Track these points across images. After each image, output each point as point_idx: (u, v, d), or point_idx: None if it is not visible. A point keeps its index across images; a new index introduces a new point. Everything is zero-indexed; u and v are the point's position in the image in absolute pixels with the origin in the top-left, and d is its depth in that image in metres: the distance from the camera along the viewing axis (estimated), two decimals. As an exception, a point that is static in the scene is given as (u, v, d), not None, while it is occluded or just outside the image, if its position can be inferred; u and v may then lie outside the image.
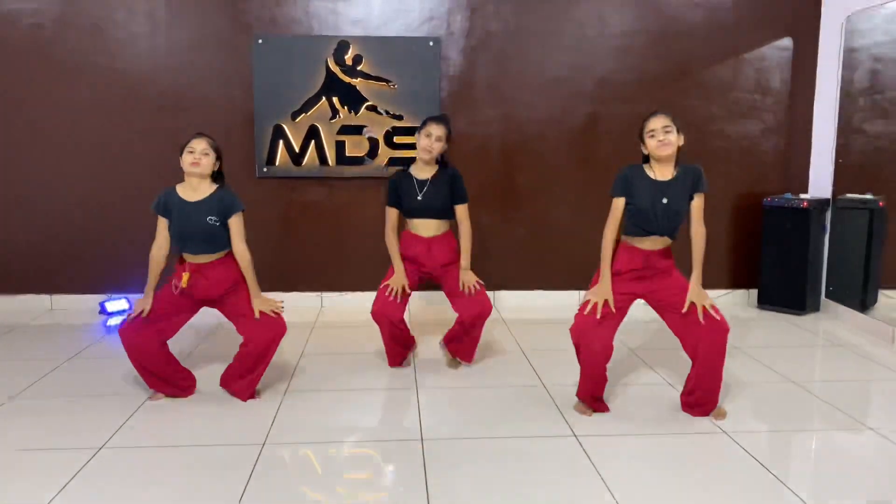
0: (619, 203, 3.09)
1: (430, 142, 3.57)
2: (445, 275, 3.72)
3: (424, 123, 3.61)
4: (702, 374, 3.04)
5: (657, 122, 3.02)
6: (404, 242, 3.75)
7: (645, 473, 2.61)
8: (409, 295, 3.71)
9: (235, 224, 3.20)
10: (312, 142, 4.99)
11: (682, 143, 3.06)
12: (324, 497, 2.45)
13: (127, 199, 5.00)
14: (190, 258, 3.20)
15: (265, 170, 5.03)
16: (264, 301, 3.25)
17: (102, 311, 4.95)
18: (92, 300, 5.06)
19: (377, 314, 3.60)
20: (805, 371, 3.86)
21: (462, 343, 3.76)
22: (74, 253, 5.07)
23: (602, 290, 3.06)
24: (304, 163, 5.02)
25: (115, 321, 4.75)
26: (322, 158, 5.02)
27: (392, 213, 3.73)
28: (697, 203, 3.09)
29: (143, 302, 3.16)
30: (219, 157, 3.23)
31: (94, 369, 3.77)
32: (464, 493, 2.46)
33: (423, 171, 3.69)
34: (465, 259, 3.69)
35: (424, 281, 3.83)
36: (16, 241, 5.06)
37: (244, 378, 3.27)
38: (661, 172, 3.07)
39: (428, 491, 2.45)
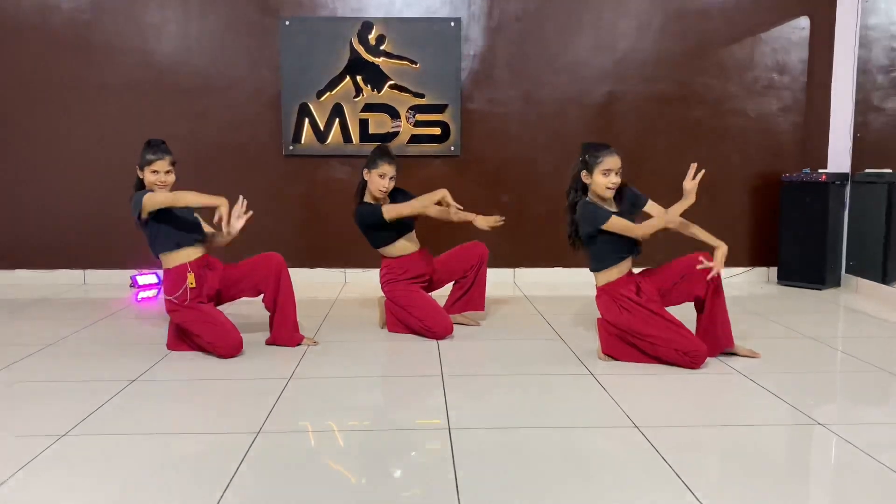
0: (616, 218, 3.09)
1: (385, 182, 3.60)
2: (438, 266, 3.85)
3: (376, 161, 3.60)
4: (709, 312, 3.12)
5: (614, 163, 3.08)
6: (401, 267, 3.71)
7: (658, 399, 2.69)
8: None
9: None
10: (337, 120, 5.14)
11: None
12: (345, 420, 2.54)
13: (158, 177, 5.17)
14: (191, 253, 3.27)
15: (291, 148, 5.18)
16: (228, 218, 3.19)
17: (134, 284, 5.11)
18: (123, 275, 5.21)
19: (445, 331, 3.59)
20: (823, 330, 3.88)
21: (470, 294, 3.83)
22: (106, 229, 5.24)
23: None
24: (328, 141, 5.16)
25: (145, 294, 4.90)
26: (346, 136, 5.16)
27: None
28: (652, 205, 3.25)
29: (218, 199, 3.13)
30: (173, 163, 3.29)
31: (125, 326, 3.94)
32: (485, 415, 2.55)
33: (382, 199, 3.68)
34: (469, 215, 3.79)
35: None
36: (50, 218, 5.25)
37: (284, 327, 3.38)
38: (608, 203, 3.19)
39: (448, 412, 2.54)
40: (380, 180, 3.58)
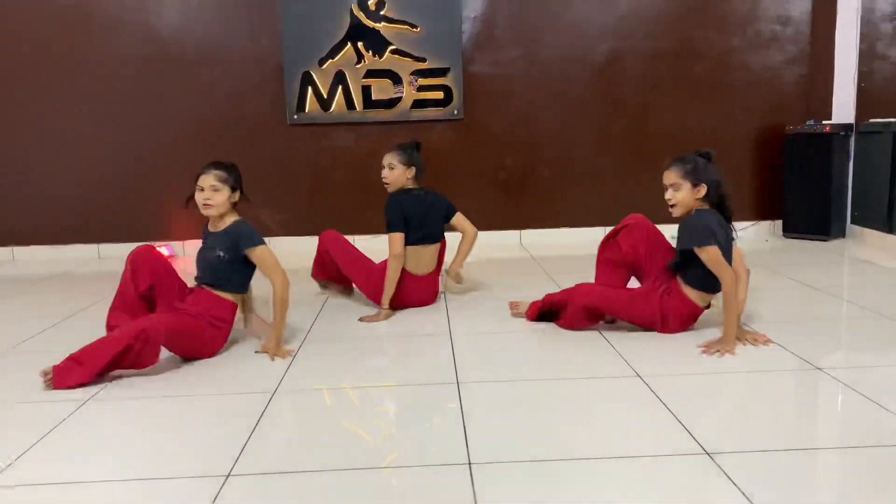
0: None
1: (385, 172, 3.45)
2: None
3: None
4: None
5: (666, 178, 2.81)
6: (412, 289, 3.47)
7: (660, 350, 2.76)
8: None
9: (260, 260, 2.85)
10: (339, 87, 5.17)
11: (701, 194, 2.78)
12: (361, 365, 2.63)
13: (165, 150, 5.24)
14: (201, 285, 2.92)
15: (295, 117, 5.21)
16: (279, 345, 2.87)
17: (147, 256, 5.20)
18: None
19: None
20: (827, 279, 3.92)
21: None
22: (117, 203, 5.33)
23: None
24: (332, 108, 5.20)
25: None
26: (349, 103, 5.19)
27: (401, 240, 3.35)
28: (703, 259, 2.74)
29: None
30: (234, 188, 2.86)
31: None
32: (492, 357, 2.64)
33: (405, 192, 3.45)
34: (459, 261, 3.58)
35: None
36: (63, 193, 5.33)
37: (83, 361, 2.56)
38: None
39: (456, 367, 2.63)
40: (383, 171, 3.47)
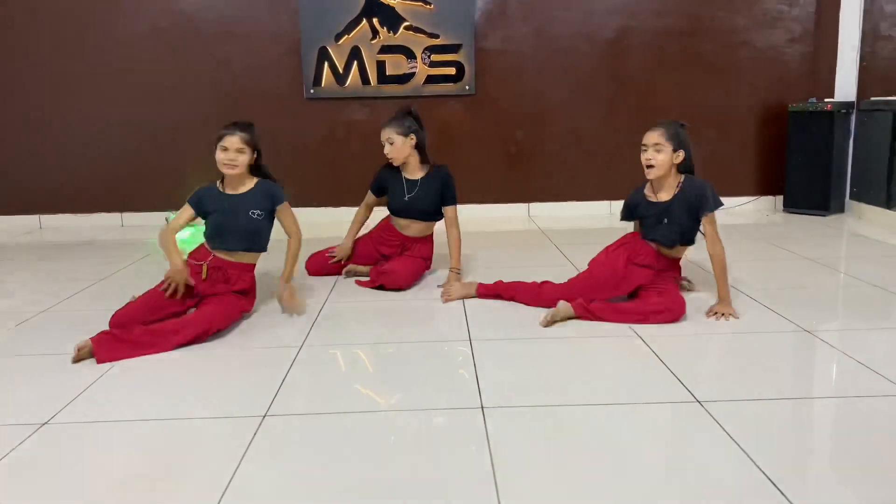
0: (629, 227, 3.11)
1: (387, 148, 3.43)
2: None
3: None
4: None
5: (648, 138, 2.88)
6: (382, 233, 3.65)
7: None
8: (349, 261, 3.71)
9: (285, 215, 3.06)
10: (355, 63, 5.32)
11: (679, 160, 2.88)
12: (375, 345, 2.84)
13: (186, 122, 5.42)
14: (222, 255, 2.94)
15: (312, 91, 5.37)
16: (293, 295, 3.04)
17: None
18: (159, 217, 5.50)
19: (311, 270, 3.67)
20: (821, 252, 4.09)
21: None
22: (140, 173, 5.52)
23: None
24: (347, 83, 5.35)
25: (179, 234, 5.18)
26: (364, 78, 5.34)
27: (369, 197, 3.63)
28: (707, 226, 2.89)
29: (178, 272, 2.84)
30: (255, 150, 2.96)
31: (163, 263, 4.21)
32: (503, 319, 2.84)
33: (414, 171, 3.50)
34: (456, 260, 3.46)
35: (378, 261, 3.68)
36: (88, 164, 5.53)
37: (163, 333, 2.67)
38: (659, 193, 2.95)
39: (469, 328, 2.83)
40: (386, 146, 3.46)
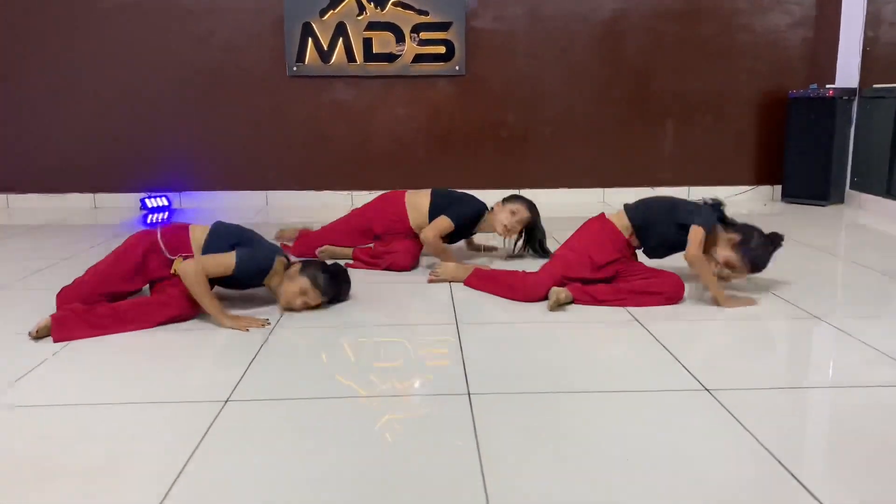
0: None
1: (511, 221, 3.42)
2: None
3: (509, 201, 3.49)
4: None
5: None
6: (387, 211, 3.56)
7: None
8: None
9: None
10: (340, 39, 5.10)
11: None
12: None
13: (162, 100, 5.17)
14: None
15: (295, 69, 5.15)
16: (237, 317, 2.54)
17: (143, 207, 5.17)
18: (133, 198, 5.27)
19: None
20: (821, 240, 3.93)
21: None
22: (115, 153, 5.28)
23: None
24: (332, 60, 5.13)
25: (154, 217, 4.95)
26: (350, 56, 5.12)
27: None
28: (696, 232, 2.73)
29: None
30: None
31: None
32: (490, 303, 2.64)
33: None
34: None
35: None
36: (59, 143, 5.27)
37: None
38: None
39: (456, 312, 2.63)
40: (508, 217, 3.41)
